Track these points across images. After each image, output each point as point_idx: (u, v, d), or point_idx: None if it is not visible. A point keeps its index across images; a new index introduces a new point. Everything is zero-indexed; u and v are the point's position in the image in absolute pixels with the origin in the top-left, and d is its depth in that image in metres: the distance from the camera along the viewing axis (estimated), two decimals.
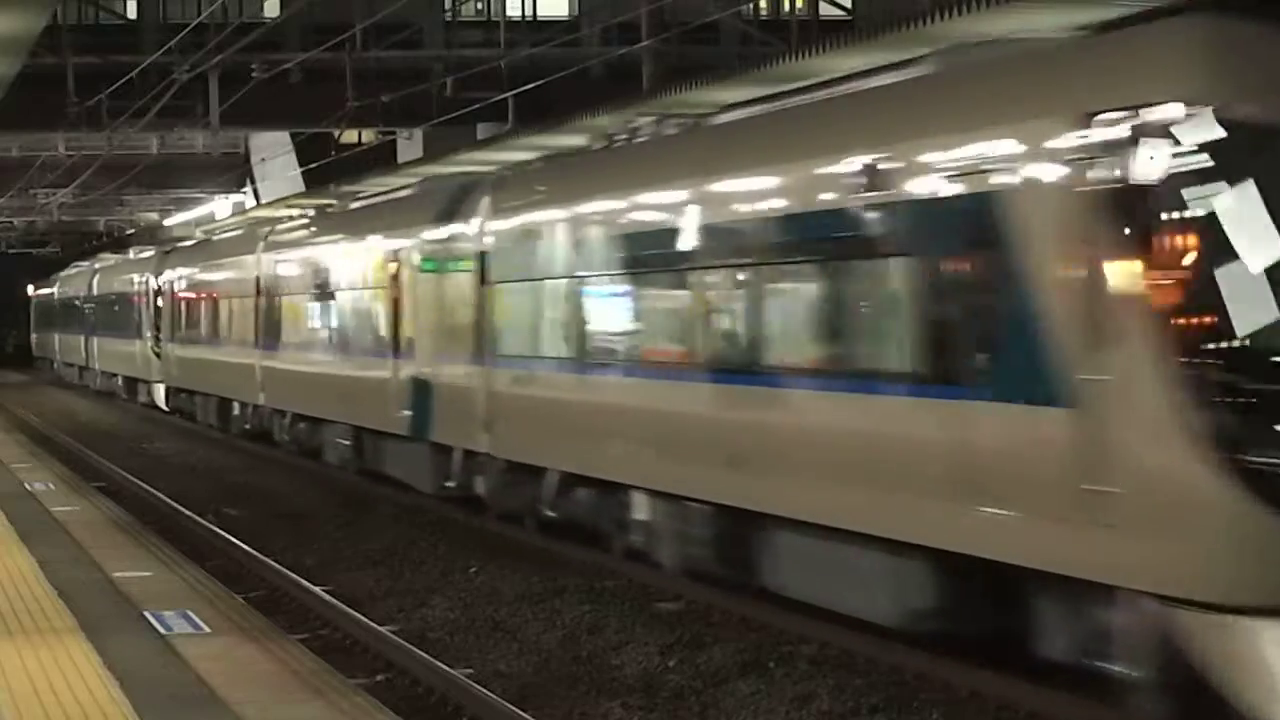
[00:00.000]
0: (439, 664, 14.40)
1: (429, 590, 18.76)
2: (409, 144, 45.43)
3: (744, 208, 15.73)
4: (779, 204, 15.13)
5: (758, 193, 15.51)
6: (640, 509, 17.87)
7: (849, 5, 44.91)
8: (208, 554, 21.29)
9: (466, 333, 22.33)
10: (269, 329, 33.51)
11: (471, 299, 22.14)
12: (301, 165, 52.47)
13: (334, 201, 36.23)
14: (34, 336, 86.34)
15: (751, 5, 43.92)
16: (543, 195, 20.57)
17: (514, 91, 35.46)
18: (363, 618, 16.61)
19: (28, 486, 25.03)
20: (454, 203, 23.32)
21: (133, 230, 78.15)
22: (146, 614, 14.23)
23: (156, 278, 46.29)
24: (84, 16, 45.17)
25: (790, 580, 15.27)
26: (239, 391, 36.45)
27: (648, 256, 17.44)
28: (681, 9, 35.81)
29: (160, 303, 45.49)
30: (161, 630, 13.54)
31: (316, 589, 18.28)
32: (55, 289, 75.48)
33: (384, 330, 26.08)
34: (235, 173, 62.78)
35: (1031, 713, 12.67)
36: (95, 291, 59.71)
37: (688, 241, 16.45)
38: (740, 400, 15.57)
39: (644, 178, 17.95)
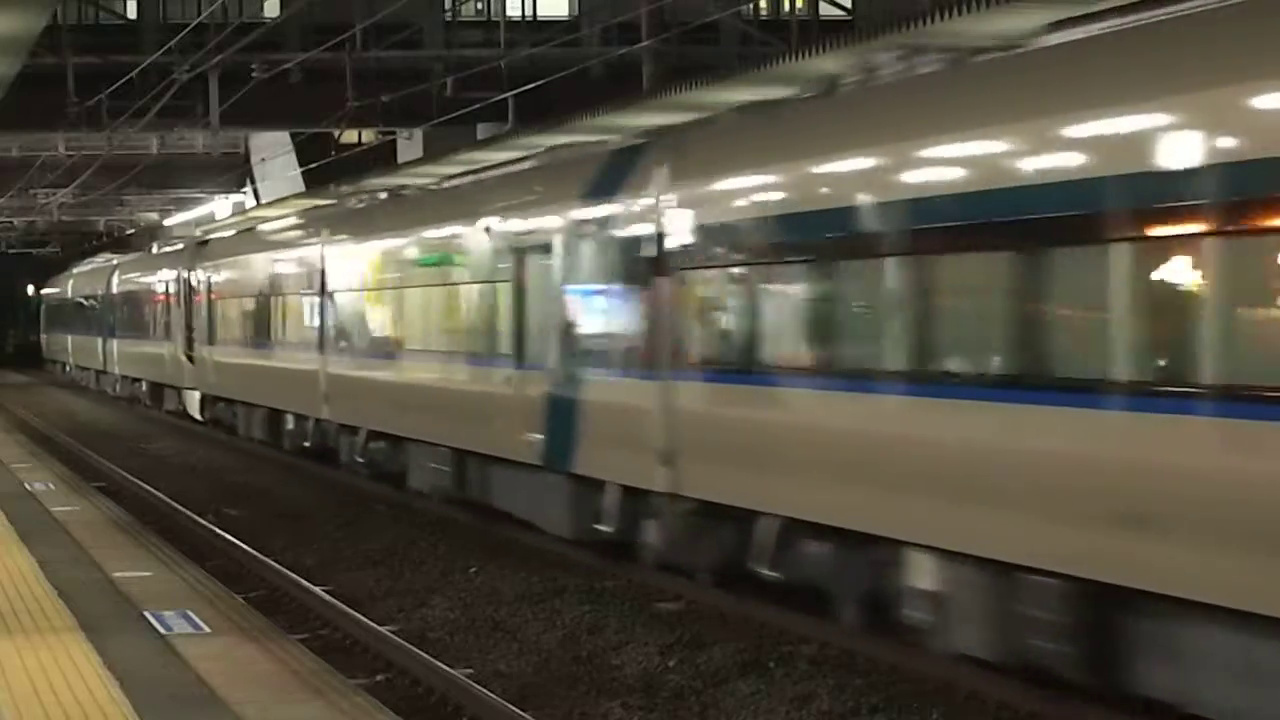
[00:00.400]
0: (439, 664, 14.40)
1: (429, 590, 18.76)
2: (409, 144, 45.47)
3: (1118, 159, 10.98)
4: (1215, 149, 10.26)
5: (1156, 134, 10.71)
6: (922, 574, 13.24)
7: (849, 5, 44.94)
8: (208, 554, 21.30)
9: (632, 337, 17.47)
10: (338, 331, 28.35)
11: (641, 294, 17.24)
12: (301, 165, 52.50)
13: (418, 181, 31.95)
14: (44, 338, 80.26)
15: (751, 5, 43.93)
16: (761, 157, 15.43)
17: (514, 91, 35.48)
18: (363, 618, 16.62)
19: (28, 486, 25.03)
20: (610, 173, 18.47)
21: (133, 230, 78.17)
22: (146, 614, 14.23)
23: (189, 273, 41.56)
24: (84, 16, 45.20)
25: (1207, 691, 10.76)
26: (296, 403, 31.17)
27: (946, 231, 12.66)
28: (681, 9, 35.83)
29: (195, 301, 40.71)
30: (161, 630, 13.54)
31: (316, 589, 18.28)
32: (69, 287, 69.64)
33: (504, 334, 20.88)
34: (235, 173, 62.83)
35: (1032, 713, 12.66)
36: (115, 290, 54.77)
37: (1017, 209, 11.87)
38: (1167, 435, 10.61)
39: (937, 126, 12.93)
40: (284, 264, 32.20)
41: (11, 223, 76.87)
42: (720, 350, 15.93)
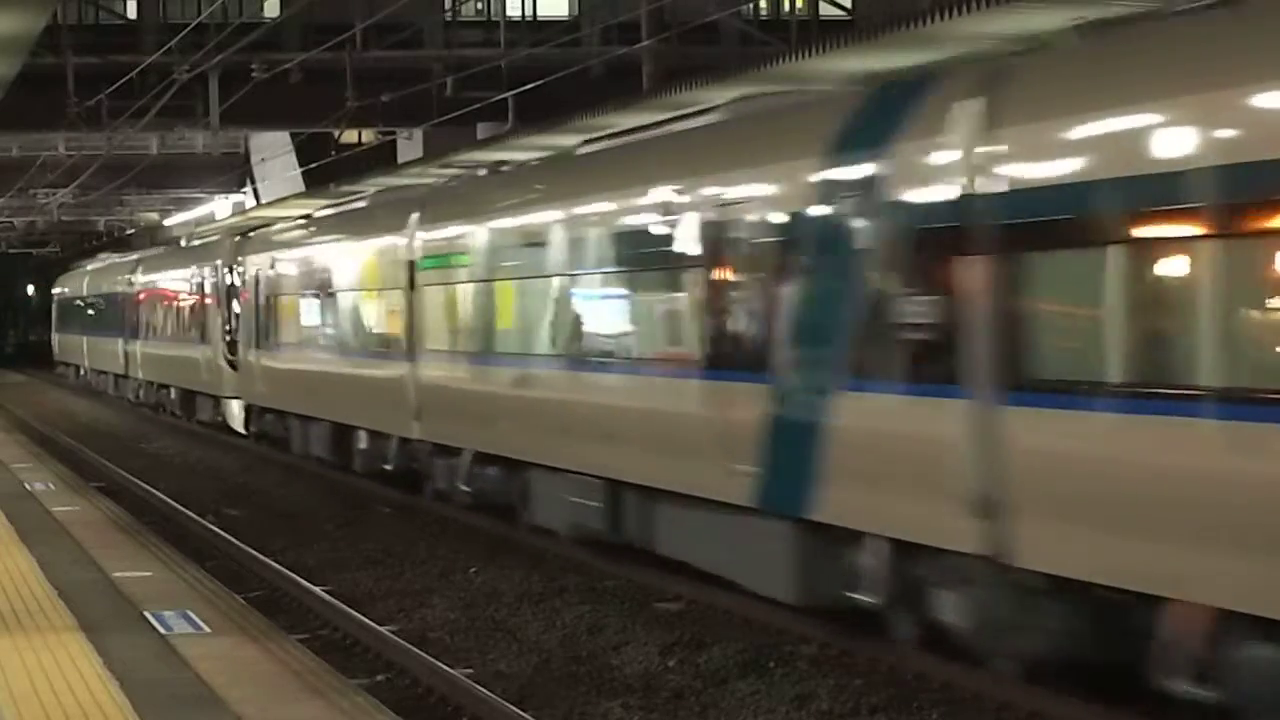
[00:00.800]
0: (439, 664, 14.40)
1: (429, 590, 18.77)
2: (409, 144, 45.49)
3: None
4: None
5: None
6: None
7: (849, 5, 44.94)
8: (208, 554, 21.30)
9: (919, 339, 12.86)
10: (435, 333, 23.38)
11: (935, 281, 12.64)
12: (301, 165, 52.53)
13: (531, 150, 27.20)
14: (56, 338, 73.65)
15: (751, 5, 43.93)
16: (1181, 85, 10.64)
17: (514, 91, 35.46)
18: (363, 618, 16.62)
19: (28, 486, 25.02)
20: (873, 119, 13.89)
21: (133, 230, 78.20)
22: (146, 614, 14.22)
23: (231, 268, 37.57)
24: (84, 16, 45.17)
25: None
26: (374, 418, 26.23)
27: None
28: (681, 9, 35.84)
29: (238, 300, 36.49)
30: (161, 630, 13.53)
31: (316, 589, 18.29)
32: (84, 284, 63.92)
33: (691, 335, 16.20)
34: (235, 173, 62.86)
35: (1032, 713, 12.66)
36: (138, 287, 50.03)
37: None
38: None
39: None
40: (358, 254, 27.29)
41: (11, 223, 76.89)
42: (1105, 363, 11.01)
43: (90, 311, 61.19)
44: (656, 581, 18.01)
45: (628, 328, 17.72)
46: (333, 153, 42.40)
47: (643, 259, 17.30)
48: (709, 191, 15.95)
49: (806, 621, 15.39)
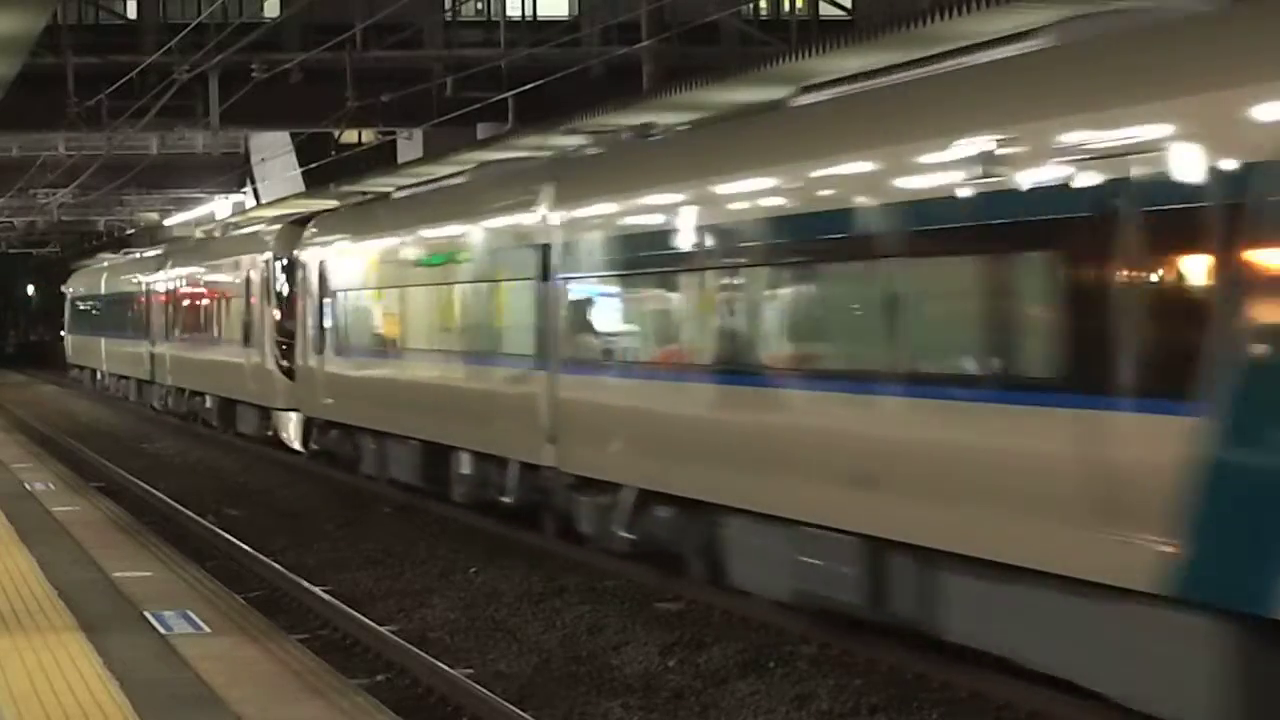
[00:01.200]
0: (439, 664, 14.41)
1: (429, 590, 18.77)
2: (409, 144, 45.52)
3: None
4: None
5: None
6: None
7: (849, 5, 44.96)
8: (208, 554, 21.31)
9: None
10: (585, 335, 18.70)
11: None
12: (301, 165, 52.56)
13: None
14: (69, 340, 68.55)
15: (751, 5, 43.96)
16: None
17: (514, 91, 35.48)
18: (363, 618, 16.63)
19: (28, 486, 25.01)
20: None
21: (132, 230, 78.25)
22: (146, 614, 14.22)
23: (285, 263, 33.10)
24: (84, 16, 45.19)
25: None
26: (489, 439, 21.44)
27: None
28: (681, 9, 35.87)
29: (296, 300, 31.11)
30: (161, 630, 13.53)
31: (316, 589, 18.30)
32: (101, 282, 58.69)
33: (1034, 342, 11.53)
34: (235, 173, 62.88)
35: (1032, 712, 12.67)
36: (166, 285, 45.47)
37: None
38: None
39: None
40: (462, 239, 22.55)
41: (11, 223, 76.95)
42: None
43: (109, 311, 55.60)
44: (656, 581, 18.01)
45: (914, 332, 12.94)
46: (333, 153, 42.43)
47: (937, 238, 12.54)
48: (1069, 138, 11.17)
49: (806, 621, 15.39)
